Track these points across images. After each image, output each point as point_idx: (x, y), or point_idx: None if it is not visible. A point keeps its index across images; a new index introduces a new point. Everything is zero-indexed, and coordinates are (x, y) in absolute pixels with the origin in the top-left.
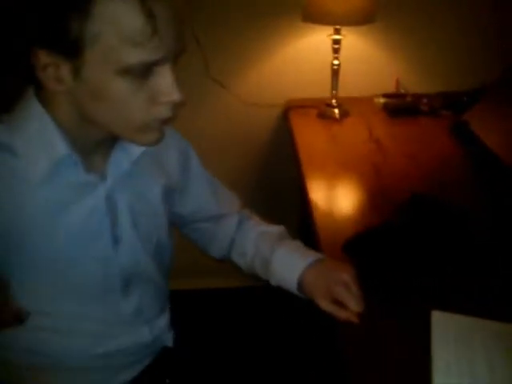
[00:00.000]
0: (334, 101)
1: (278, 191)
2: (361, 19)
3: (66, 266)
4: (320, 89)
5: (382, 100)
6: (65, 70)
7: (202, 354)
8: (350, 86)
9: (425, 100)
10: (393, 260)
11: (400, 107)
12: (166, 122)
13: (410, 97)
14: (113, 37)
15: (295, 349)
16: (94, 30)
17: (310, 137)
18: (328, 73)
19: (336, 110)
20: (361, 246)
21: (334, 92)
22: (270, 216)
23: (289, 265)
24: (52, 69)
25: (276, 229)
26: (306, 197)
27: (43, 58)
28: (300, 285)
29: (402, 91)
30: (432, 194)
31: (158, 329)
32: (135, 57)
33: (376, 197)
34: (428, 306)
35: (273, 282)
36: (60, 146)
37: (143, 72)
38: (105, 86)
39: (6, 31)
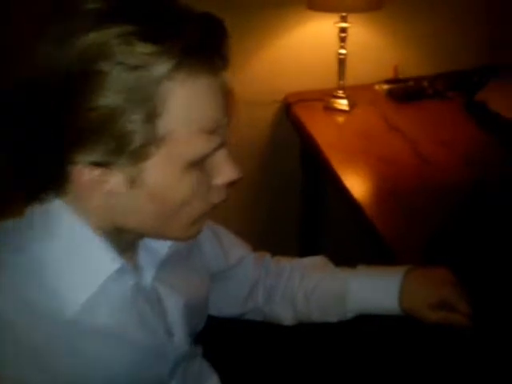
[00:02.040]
0: (340, 92)
1: (280, 192)
2: (367, 5)
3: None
4: (322, 80)
5: (385, 87)
6: (117, 183)
7: None
8: (351, 75)
9: (425, 83)
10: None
11: (405, 92)
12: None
13: (412, 81)
14: (186, 130)
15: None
16: (162, 131)
17: (324, 131)
18: (331, 62)
19: (344, 101)
20: (447, 244)
21: (340, 82)
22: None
23: (380, 284)
24: (97, 183)
25: (319, 259)
26: (349, 196)
27: (86, 173)
28: (399, 301)
29: (401, 77)
30: (493, 180)
31: None
32: (209, 145)
33: (425, 188)
34: None
35: (351, 314)
36: (111, 259)
37: (205, 160)
38: (168, 188)
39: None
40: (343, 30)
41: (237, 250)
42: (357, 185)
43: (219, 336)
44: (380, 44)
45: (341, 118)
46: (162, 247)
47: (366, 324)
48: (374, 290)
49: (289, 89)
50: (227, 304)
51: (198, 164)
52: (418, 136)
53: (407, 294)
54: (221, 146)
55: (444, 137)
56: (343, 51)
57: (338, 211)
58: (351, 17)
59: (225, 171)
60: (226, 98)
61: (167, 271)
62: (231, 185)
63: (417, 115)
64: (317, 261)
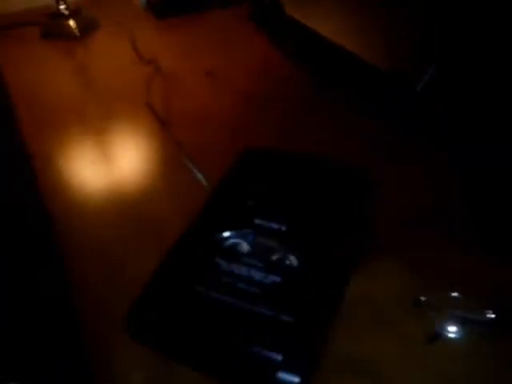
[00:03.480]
0: (62, 6)
1: None
2: None
3: None
4: None
5: None
6: None
7: None
8: None
9: None
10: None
11: (173, 3)
12: None
13: None
14: None
15: None
16: None
17: (35, 77)
18: None
19: (71, 23)
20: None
21: None
22: None
23: None
24: None
25: None
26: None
27: None
28: None
29: None
30: (270, 148)
31: None
32: None
33: (173, 163)
34: None
35: None
36: None
37: None
38: None
39: None
40: None
41: None
42: (53, 194)
43: None
44: None
45: (68, 50)
46: None
47: None
48: None
49: None
50: None
51: None
52: (178, 70)
53: None
54: None
55: (215, 65)
56: None
57: None
58: None
59: None
60: None
61: None
62: None
63: (187, 37)
64: None
